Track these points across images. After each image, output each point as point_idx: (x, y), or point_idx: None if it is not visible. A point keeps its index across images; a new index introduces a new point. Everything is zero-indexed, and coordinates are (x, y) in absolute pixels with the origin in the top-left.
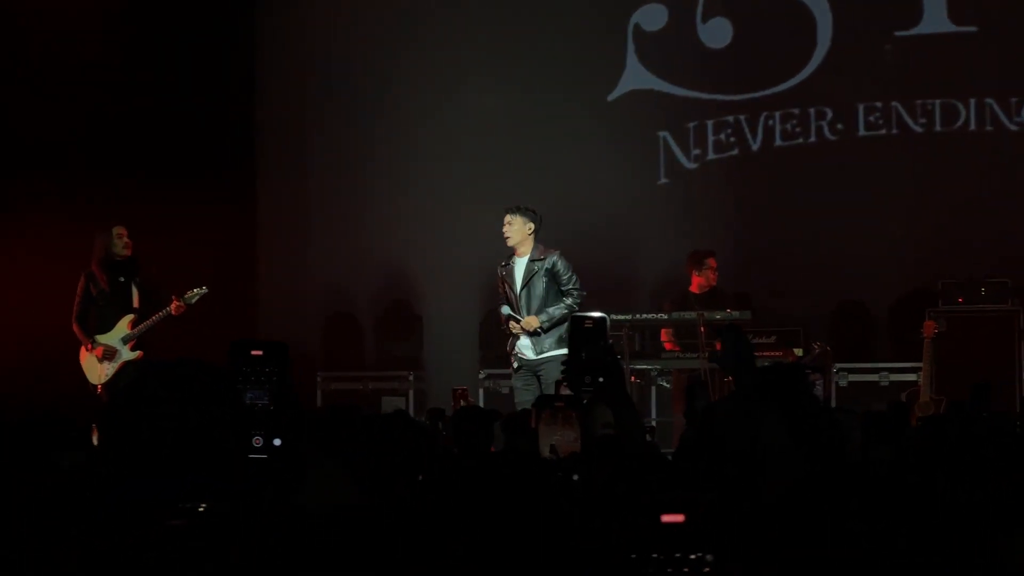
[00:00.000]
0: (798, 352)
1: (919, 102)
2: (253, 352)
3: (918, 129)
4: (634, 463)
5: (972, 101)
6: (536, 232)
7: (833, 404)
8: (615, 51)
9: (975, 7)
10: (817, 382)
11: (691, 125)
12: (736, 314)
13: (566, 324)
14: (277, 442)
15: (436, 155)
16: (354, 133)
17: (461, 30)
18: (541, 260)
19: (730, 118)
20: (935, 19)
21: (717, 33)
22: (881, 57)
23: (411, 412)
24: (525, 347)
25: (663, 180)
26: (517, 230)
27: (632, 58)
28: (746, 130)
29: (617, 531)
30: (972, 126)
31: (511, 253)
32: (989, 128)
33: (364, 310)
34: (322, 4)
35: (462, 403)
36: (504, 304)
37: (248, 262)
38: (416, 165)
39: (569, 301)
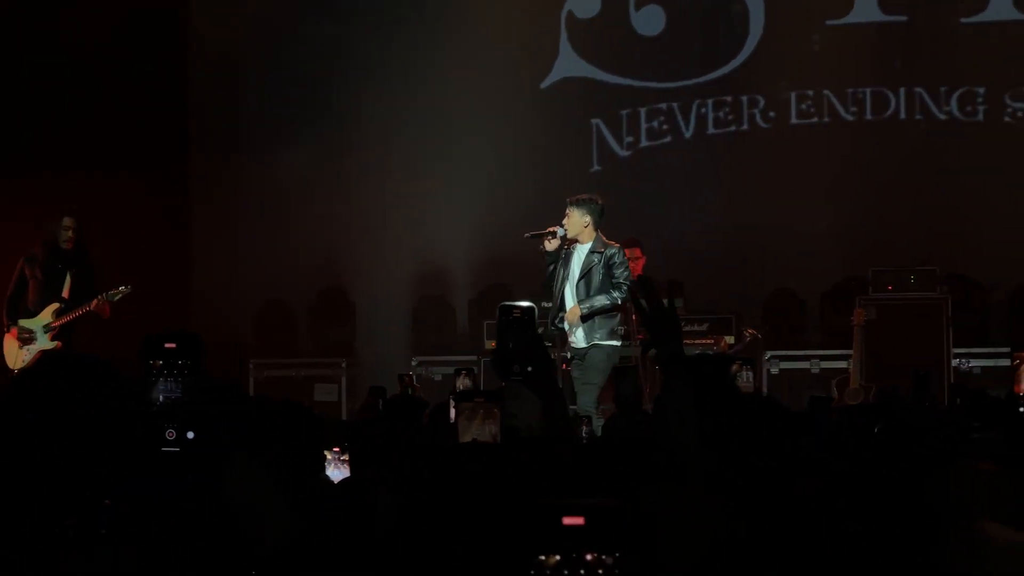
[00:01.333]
0: (729, 340)
1: (850, 90)
2: (166, 345)
3: (849, 117)
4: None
5: (902, 90)
6: (596, 223)
7: (765, 392)
8: (548, 38)
9: None
10: (743, 372)
11: (624, 112)
12: (666, 302)
13: (616, 316)
14: (191, 435)
15: (368, 143)
16: (286, 123)
17: (393, 18)
18: (601, 252)
19: (663, 106)
20: (866, 8)
21: (650, 21)
22: (813, 46)
23: (343, 398)
24: (576, 336)
25: (596, 167)
26: (574, 223)
27: (565, 45)
28: (679, 118)
29: (519, 532)
30: (902, 115)
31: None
32: (919, 117)
33: (297, 298)
34: None
35: (408, 390)
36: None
37: (181, 251)
38: (349, 153)
39: (616, 294)
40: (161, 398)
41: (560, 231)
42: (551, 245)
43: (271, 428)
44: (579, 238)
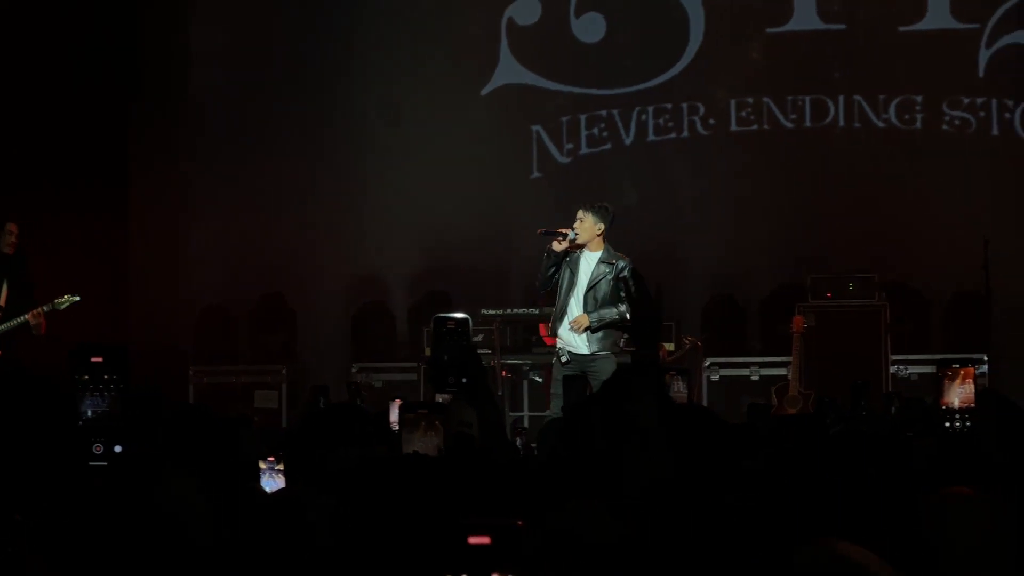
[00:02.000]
0: (669, 347)
1: (789, 98)
2: (93, 359)
3: (789, 125)
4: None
5: (841, 98)
6: (606, 232)
7: (704, 400)
8: (489, 45)
9: (844, 5)
10: (676, 382)
11: (564, 119)
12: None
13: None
14: (118, 449)
15: (309, 149)
16: (226, 129)
17: (335, 24)
18: (612, 264)
19: (603, 112)
20: (805, 16)
21: (590, 28)
22: (752, 53)
23: (283, 405)
24: (578, 341)
25: (536, 174)
26: (587, 228)
27: (506, 52)
28: (619, 124)
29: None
30: (841, 122)
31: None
32: (857, 125)
33: (237, 304)
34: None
35: (358, 399)
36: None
37: (120, 257)
38: (288, 159)
39: (624, 308)
40: (89, 412)
41: (572, 234)
42: (560, 246)
43: (202, 439)
44: (589, 245)
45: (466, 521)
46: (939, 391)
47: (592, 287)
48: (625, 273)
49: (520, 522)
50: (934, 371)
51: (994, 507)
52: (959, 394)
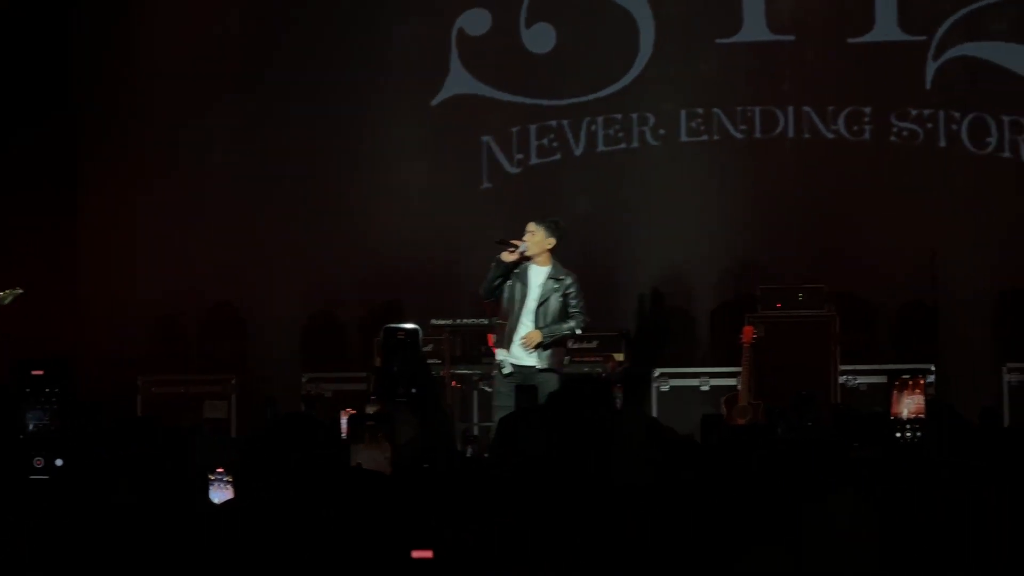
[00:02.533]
0: (619, 358)
1: (739, 109)
2: (34, 372)
3: (738, 136)
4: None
5: (790, 109)
6: (556, 247)
7: (654, 411)
8: (439, 55)
9: (793, 17)
10: (623, 394)
11: (514, 130)
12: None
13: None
14: (59, 462)
15: (259, 158)
16: (178, 135)
17: (283, 33)
18: (561, 280)
19: (553, 123)
20: (754, 28)
21: (540, 38)
22: (702, 64)
23: (233, 415)
24: (522, 356)
25: (486, 184)
26: (537, 242)
27: (456, 63)
28: (569, 135)
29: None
30: (791, 133)
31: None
32: (807, 136)
33: (187, 313)
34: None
35: (311, 411)
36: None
37: (68, 265)
38: (239, 168)
39: (572, 323)
40: (31, 426)
41: (523, 247)
42: (509, 257)
43: (150, 451)
44: (538, 260)
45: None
46: (889, 402)
47: (543, 303)
48: (571, 289)
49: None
50: (883, 381)
51: (862, 508)
52: (908, 405)
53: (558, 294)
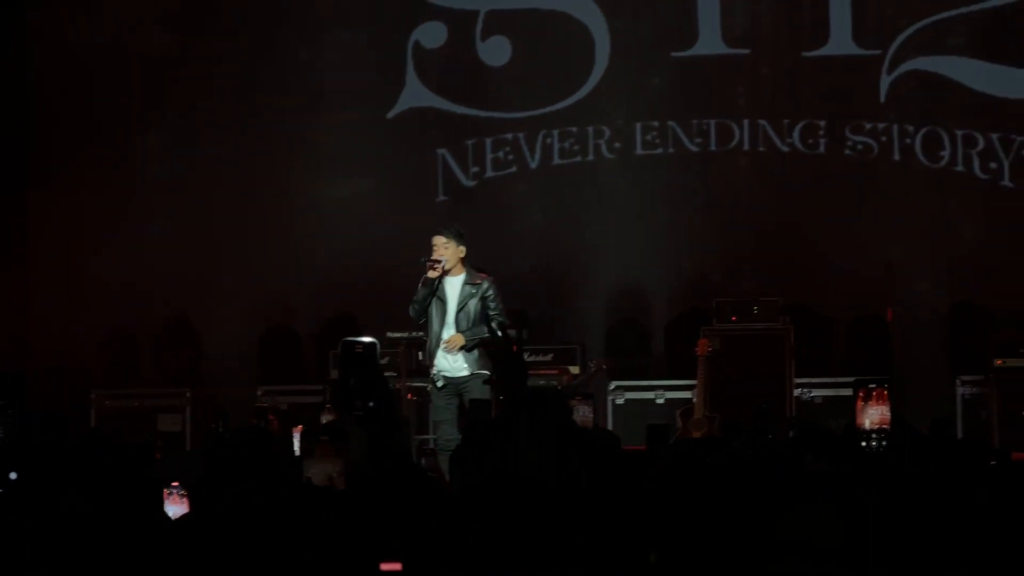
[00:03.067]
0: (574, 370)
1: (695, 122)
2: None
3: (694, 148)
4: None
5: (746, 122)
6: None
7: (609, 423)
8: (395, 68)
9: (748, 30)
10: (581, 406)
11: (470, 143)
12: (512, 332)
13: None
14: (13, 476)
15: (213, 172)
16: (130, 149)
17: (237, 45)
18: (477, 284)
19: (509, 136)
20: (710, 41)
21: (496, 51)
22: (658, 77)
23: (187, 428)
24: (456, 364)
25: (442, 197)
26: (452, 253)
27: (412, 75)
28: (524, 148)
29: None
30: (746, 146)
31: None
32: (762, 148)
33: (141, 326)
34: (94, 11)
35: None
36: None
37: (20, 277)
38: (192, 182)
39: (493, 326)
40: None
41: (443, 261)
42: (434, 274)
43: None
44: (452, 270)
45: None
46: (854, 412)
47: (462, 308)
48: (490, 292)
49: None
50: (838, 394)
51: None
52: (872, 415)
53: (476, 299)
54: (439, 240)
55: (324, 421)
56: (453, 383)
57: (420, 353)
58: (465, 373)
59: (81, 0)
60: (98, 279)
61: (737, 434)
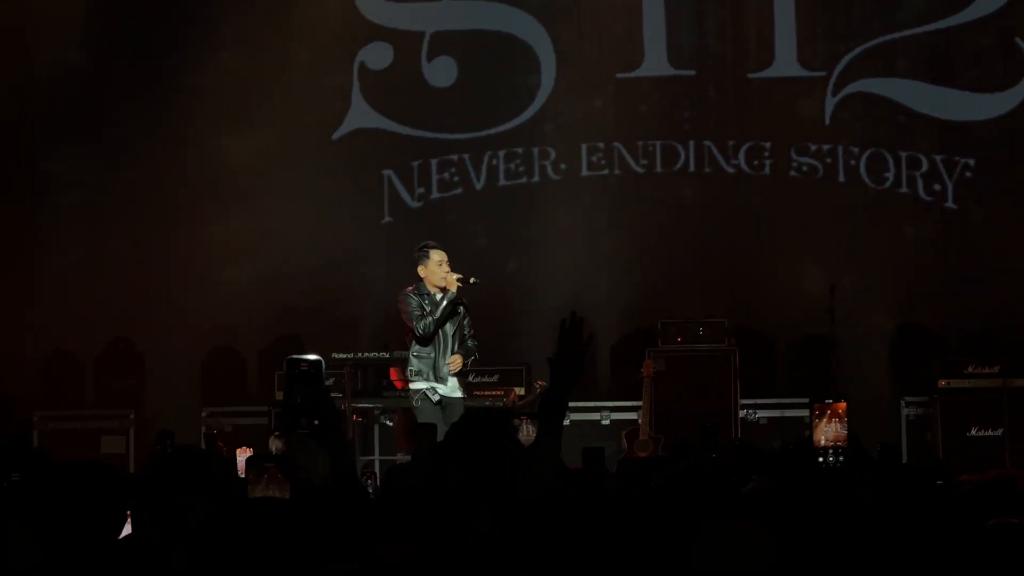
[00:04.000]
0: (519, 391)
1: (640, 143)
2: None
3: (639, 170)
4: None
5: (691, 143)
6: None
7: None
8: (340, 89)
9: (693, 52)
10: (525, 426)
11: (415, 164)
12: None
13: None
14: None
15: (158, 193)
16: (75, 168)
17: (180, 66)
18: (464, 306)
19: (454, 157)
20: (656, 63)
21: (442, 72)
22: (603, 99)
23: (131, 451)
24: (448, 388)
25: (387, 218)
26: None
27: (357, 96)
28: (470, 169)
29: None
30: (691, 167)
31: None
32: (708, 170)
33: (84, 348)
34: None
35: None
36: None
37: None
38: (137, 202)
39: (471, 344)
40: None
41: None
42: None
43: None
44: (449, 286)
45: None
46: (811, 428)
47: (459, 328)
48: (467, 314)
49: (356, 565)
50: (782, 414)
51: (757, 537)
52: (827, 433)
53: (463, 320)
54: (444, 256)
55: (272, 446)
56: (450, 403)
57: (410, 371)
58: (459, 395)
59: None
60: (40, 302)
61: (685, 454)
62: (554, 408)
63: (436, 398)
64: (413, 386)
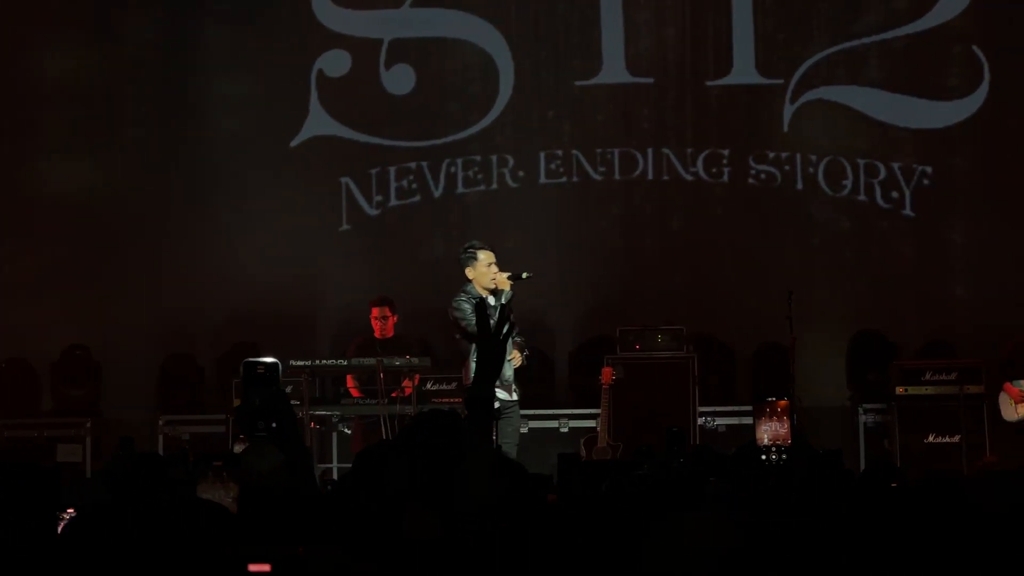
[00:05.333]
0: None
1: (599, 151)
2: None
3: (598, 177)
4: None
5: (650, 150)
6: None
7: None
8: (298, 97)
9: (651, 59)
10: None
11: (373, 171)
12: (416, 361)
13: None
14: None
15: (111, 199)
16: (25, 173)
17: (148, 71)
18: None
19: (412, 164)
20: (614, 70)
21: (400, 80)
22: (561, 106)
23: (87, 459)
24: (510, 387)
25: (345, 226)
26: None
27: (315, 104)
28: (428, 177)
29: None
30: (650, 175)
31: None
32: (666, 177)
33: (40, 355)
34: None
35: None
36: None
37: None
38: (93, 208)
39: (520, 339)
40: None
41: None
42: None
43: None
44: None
45: (247, 548)
46: (754, 428)
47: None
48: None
49: (300, 548)
50: (741, 422)
51: (708, 529)
52: (768, 431)
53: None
54: (491, 255)
55: (237, 450)
56: (505, 406)
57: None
58: (515, 397)
59: None
60: None
61: (648, 458)
62: (479, 400)
63: (496, 404)
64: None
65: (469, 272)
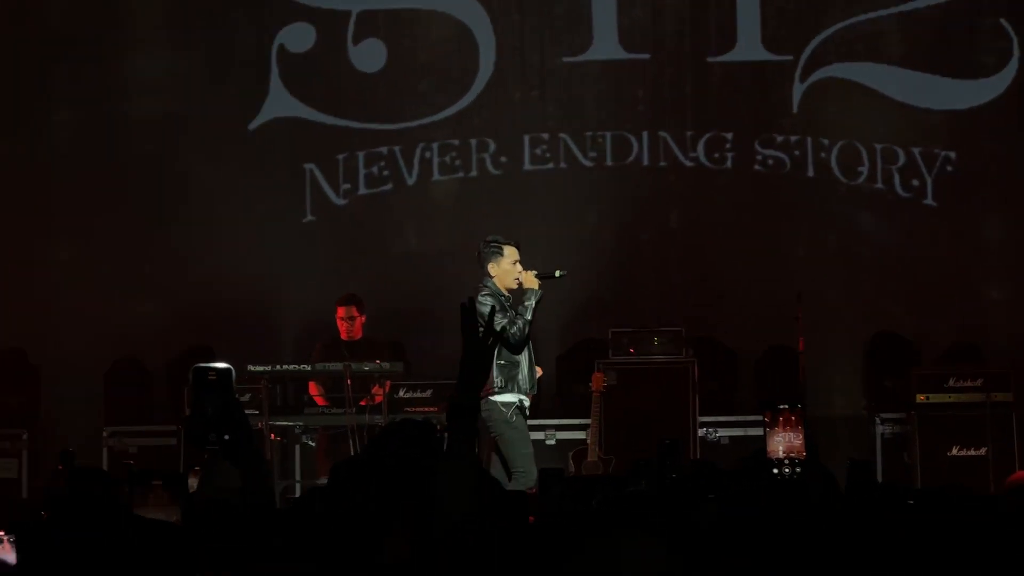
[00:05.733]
0: None
1: (588, 134)
2: None
3: (588, 163)
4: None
5: (645, 134)
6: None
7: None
8: (257, 74)
9: (647, 33)
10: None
11: (340, 157)
12: (387, 366)
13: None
14: None
15: (54, 193)
16: None
17: (92, 52)
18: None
19: (383, 149)
20: (606, 45)
21: (370, 56)
22: (548, 85)
23: (24, 474)
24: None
25: (309, 217)
26: None
27: (276, 82)
28: (401, 163)
29: None
30: (645, 160)
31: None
32: (663, 163)
33: None
34: None
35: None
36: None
37: None
38: (38, 202)
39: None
40: None
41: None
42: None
43: None
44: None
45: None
46: (764, 440)
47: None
48: None
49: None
50: (746, 433)
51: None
52: (781, 442)
53: None
54: (516, 251)
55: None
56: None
57: (497, 383)
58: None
59: None
60: None
61: (644, 473)
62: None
63: (526, 403)
64: (500, 399)
65: (492, 268)
